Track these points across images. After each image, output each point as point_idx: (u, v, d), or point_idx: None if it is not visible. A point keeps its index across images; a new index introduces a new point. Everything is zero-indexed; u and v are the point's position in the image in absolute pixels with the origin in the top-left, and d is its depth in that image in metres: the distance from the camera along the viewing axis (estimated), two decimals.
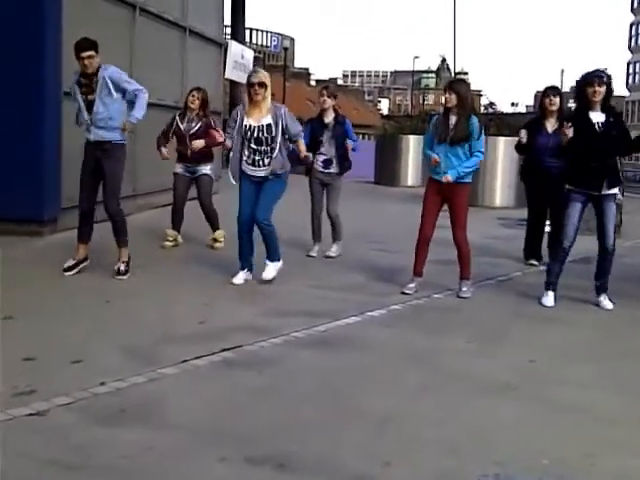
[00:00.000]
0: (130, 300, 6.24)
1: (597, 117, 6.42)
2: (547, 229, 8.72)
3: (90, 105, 6.77)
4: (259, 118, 6.73)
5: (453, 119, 6.65)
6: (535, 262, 8.47)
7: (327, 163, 8.19)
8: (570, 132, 6.37)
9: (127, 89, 6.79)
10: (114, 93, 6.75)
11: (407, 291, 6.81)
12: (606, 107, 6.45)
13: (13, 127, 8.59)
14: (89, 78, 6.75)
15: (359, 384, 4.53)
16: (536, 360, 5.11)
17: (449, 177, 6.62)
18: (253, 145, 6.76)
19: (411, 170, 19.13)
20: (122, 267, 6.92)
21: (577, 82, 6.67)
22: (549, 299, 6.68)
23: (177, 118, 8.60)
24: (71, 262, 6.94)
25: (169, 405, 4.06)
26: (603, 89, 6.35)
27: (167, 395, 4.20)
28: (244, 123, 6.76)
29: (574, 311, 6.52)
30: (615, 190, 6.60)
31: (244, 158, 6.82)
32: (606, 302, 6.64)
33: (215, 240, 8.70)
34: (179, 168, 8.66)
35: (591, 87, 6.35)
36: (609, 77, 6.50)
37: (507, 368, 4.91)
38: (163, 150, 8.49)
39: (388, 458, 3.52)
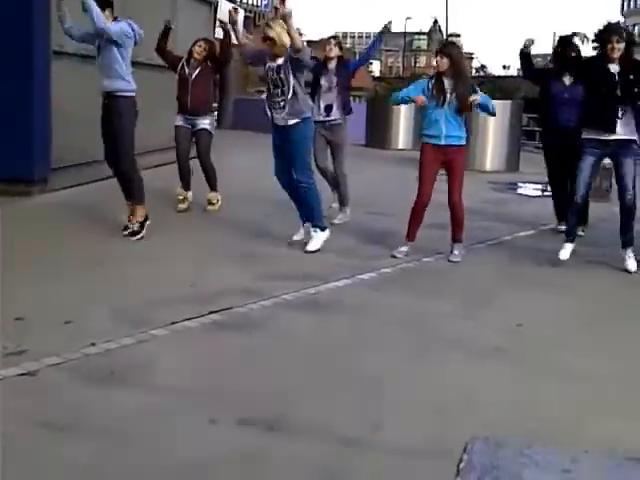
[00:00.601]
0: (122, 263, 6.22)
1: (614, 68, 6.40)
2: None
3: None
4: (274, 59, 6.66)
5: (447, 83, 6.60)
6: (563, 226, 7.81)
7: (328, 109, 8.01)
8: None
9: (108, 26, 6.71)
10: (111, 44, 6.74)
11: (397, 254, 6.81)
12: (625, 62, 6.40)
13: (1, 87, 8.48)
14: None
15: (349, 346, 4.55)
16: (524, 324, 5.13)
17: (478, 98, 6.57)
18: (271, 87, 6.70)
19: (402, 133, 19.06)
20: (135, 227, 6.90)
21: (598, 32, 6.58)
22: (565, 251, 6.76)
23: (184, 61, 8.47)
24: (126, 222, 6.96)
25: (159, 367, 4.07)
26: (622, 45, 6.31)
27: (157, 357, 4.20)
28: (267, 65, 6.72)
29: (566, 276, 6.53)
30: (630, 136, 6.49)
31: (270, 104, 6.77)
32: (630, 261, 6.66)
33: (209, 202, 8.57)
34: (179, 120, 8.53)
35: (610, 43, 6.32)
36: (630, 34, 6.54)
37: (496, 331, 4.93)
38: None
39: (378, 420, 3.54)
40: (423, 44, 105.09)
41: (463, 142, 6.78)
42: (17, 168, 8.53)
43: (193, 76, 8.36)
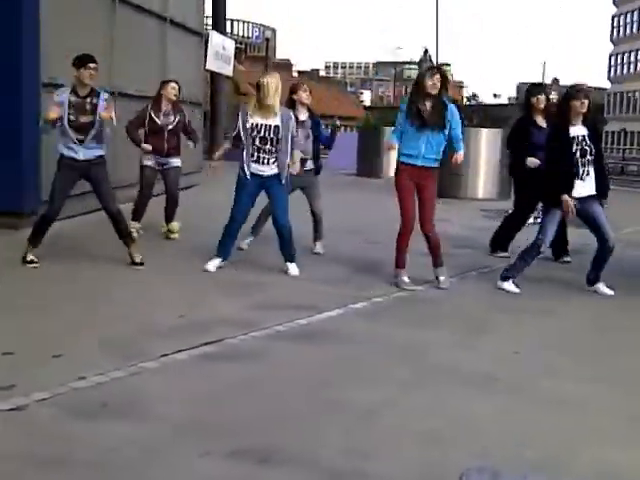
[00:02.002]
0: (111, 294, 6.18)
1: (578, 131, 6.61)
2: (531, 221, 8.73)
3: (81, 126, 6.68)
4: (267, 117, 6.78)
5: (428, 105, 6.62)
6: (506, 254, 8.33)
7: (302, 162, 7.96)
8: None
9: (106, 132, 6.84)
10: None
11: (407, 287, 6.75)
12: (586, 121, 6.66)
13: None
14: (83, 98, 6.68)
15: (341, 377, 4.51)
16: (520, 352, 5.10)
17: (460, 154, 6.71)
18: (258, 143, 6.80)
19: (393, 162, 19.07)
20: (138, 259, 7.06)
21: (563, 97, 6.90)
22: (512, 286, 6.79)
23: (150, 111, 8.46)
24: (29, 257, 6.88)
25: (150, 399, 4.02)
26: (586, 102, 6.58)
27: (148, 389, 4.15)
28: (250, 121, 6.80)
29: (558, 303, 6.52)
30: (590, 192, 6.66)
31: (250, 156, 6.86)
32: (605, 289, 6.78)
33: (171, 231, 8.72)
34: (149, 160, 8.55)
35: (577, 100, 6.56)
36: (588, 91, 6.88)
37: (491, 360, 4.90)
38: (145, 146, 8.43)
39: (372, 451, 3.50)
40: (414, 74, 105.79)
41: (437, 165, 6.77)
42: (6, 200, 8.51)
43: (169, 127, 8.45)
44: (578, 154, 6.57)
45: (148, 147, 8.41)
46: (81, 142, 6.72)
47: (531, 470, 3.33)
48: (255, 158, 6.85)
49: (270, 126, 6.80)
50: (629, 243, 9.44)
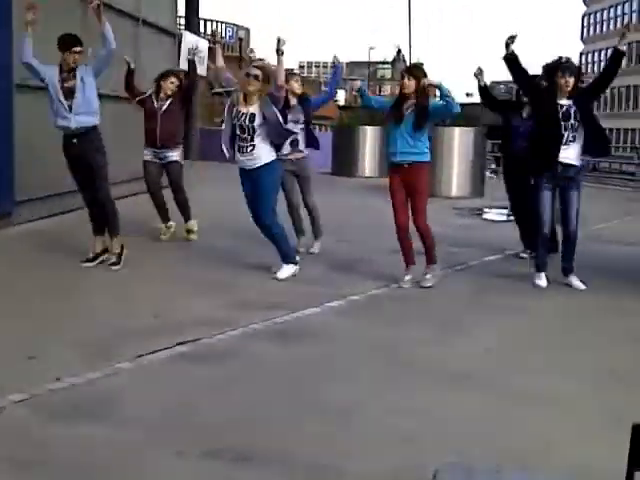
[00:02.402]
0: (86, 295, 6.17)
1: (563, 102, 6.69)
2: (504, 217, 8.79)
3: (69, 91, 6.78)
4: (247, 106, 6.74)
5: (408, 103, 6.67)
6: (525, 254, 8.29)
7: (294, 144, 7.96)
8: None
9: (101, 68, 6.95)
10: (93, 82, 6.87)
11: (404, 285, 6.80)
12: (574, 95, 6.69)
13: None
14: (68, 72, 6.78)
15: (318, 375, 4.53)
16: (494, 349, 5.16)
17: (431, 81, 6.64)
18: (238, 132, 6.77)
19: (368, 161, 19.17)
20: (114, 258, 6.99)
21: (547, 68, 7.01)
22: (542, 280, 6.93)
23: (152, 95, 8.40)
24: (90, 255, 6.97)
25: (125, 400, 4.02)
26: (572, 80, 6.63)
27: (123, 390, 4.16)
28: (235, 108, 6.78)
29: (531, 299, 6.59)
30: (572, 173, 6.76)
31: (235, 146, 6.83)
32: (577, 282, 6.89)
33: (189, 231, 8.59)
34: (148, 154, 8.47)
35: (562, 78, 6.62)
36: (578, 67, 6.95)
37: (464, 357, 4.95)
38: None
39: (347, 449, 3.53)
40: (387, 73, 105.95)
41: (422, 159, 6.79)
42: None
43: (162, 109, 8.32)
44: (561, 116, 6.63)
45: (145, 155, 8.42)
46: (71, 109, 6.76)
47: (505, 466, 3.37)
48: (237, 147, 6.82)
49: (247, 113, 6.73)
50: (598, 238, 9.56)
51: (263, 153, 6.78)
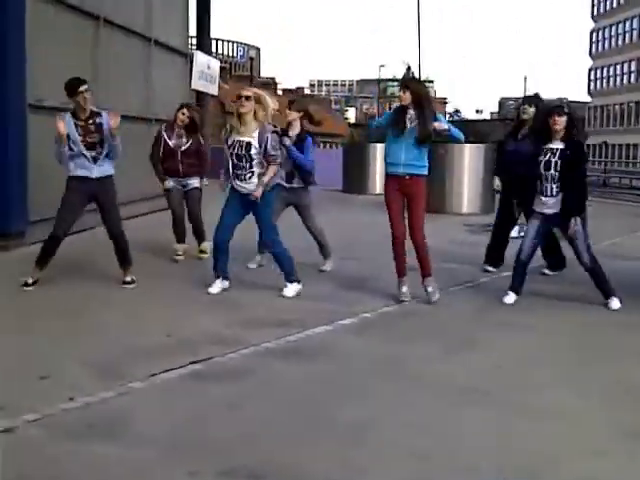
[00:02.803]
0: (98, 313, 6.19)
1: (553, 144, 6.72)
2: (514, 234, 8.80)
3: (91, 145, 6.80)
4: (243, 133, 6.78)
5: (410, 114, 6.73)
6: (491, 268, 8.49)
7: (289, 176, 7.99)
8: None
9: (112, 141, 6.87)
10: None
11: (404, 298, 6.83)
12: (567, 138, 6.72)
13: None
14: (84, 120, 6.77)
15: (331, 393, 4.54)
16: (503, 365, 5.15)
17: (440, 124, 6.73)
18: (234, 159, 6.81)
19: (379, 178, 19.17)
20: (128, 278, 7.12)
21: (542, 112, 7.14)
22: (509, 297, 6.91)
23: (164, 134, 8.60)
24: (30, 280, 6.90)
25: (139, 419, 4.03)
26: (563, 119, 6.68)
27: (137, 409, 4.17)
28: (231, 138, 6.83)
29: (540, 316, 6.58)
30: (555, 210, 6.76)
31: (233, 172, 6.88)
32: (613, 303, 6.83)
33: (202, 252, 8.75)
34: (171, 183, 8.66)
35: (551, 118, 6.70)
36: (570, 108, 7.01)
37: (475, 374, 4.95)
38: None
39: (361, 466, 3.53)
40: (397, 90, 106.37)
41: (422, 172, 6.85)
42: None
43: (182, 148, 8.55)
44: (542, 166, 6.67)
45: (168, 184, 8.60)
46: (95, 160, 6.82)
47: None
48: (234, 175, 6.86)
49: (243, 142, 6.78)
50: (608, 254, 9.53)
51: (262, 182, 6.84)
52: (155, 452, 3.63)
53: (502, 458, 3.67)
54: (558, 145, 6.69)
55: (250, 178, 6.82)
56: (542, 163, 6.68)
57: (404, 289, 6.88)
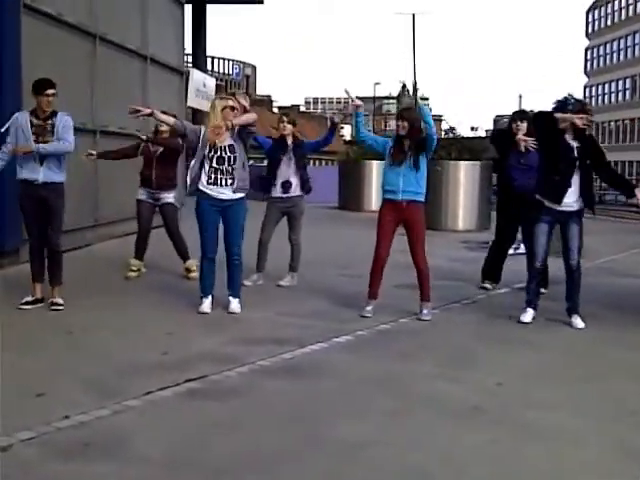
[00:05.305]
0: (92, 332, 6.16)
1: (572, 142, 6.65)
2: (511, 252, 8.78)
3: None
4: (222, 139, 6.73)
5: (407, 144, 6.79)
6: (489, 285, 8.47)
7: (286, 186, 8.11)
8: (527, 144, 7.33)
9: (66, 138, 6.73)
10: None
11: (367, 314, 6.87)
12: (580, 135, 6.65)
13: None
14: (43, 119, 6.71)
15: (327, 411, 4.51)
16: (503, 383, 5.13)
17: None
18: (215, 164, 6.74)
19: (375, 195, 19.17)
20: (57, 300, 6.85)
21: (559, 105, 7.09)
22: (527, 315, 6.86)
23: (149, 140, 8.60)
24: (30, 298, 6.87)
25: (134, 438, 4.00)
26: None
27: (132, 428, 4.14)
28: (209, 144, 6.75)
29: (539, 333, 6.56)
30: (576, 207, 6.71)
31: (204, 179, 6.77)
32: (577, 321, 6.78)
33: (188, 270, 8.56)
34: (142, 194, 8.58)
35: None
36: (576, 102, 6.96)
37: (475, 391, 4.92)
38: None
39: None
40: (392, 108, 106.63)
41: (420, 199, 6.88)
42: None
43: (157, 153, 8.50)
44: (564, 164, 6.60)
45: (139, 195, 8.56)
46: (42, 162, 6.70)
47: None
48: (212, 180, 6.76)
49: (225, 146, 6.74)
50: (605, 271, 9.54)
51: (243, 184, 6.81)
52: (151, 471, 3.60)
53: (502, 477, 3.63)
54: (574, 143, 6.63)
55: (231, 184, 6.75)
56: (563, 160, 6.59)
57: (368, 308, 6.93)
